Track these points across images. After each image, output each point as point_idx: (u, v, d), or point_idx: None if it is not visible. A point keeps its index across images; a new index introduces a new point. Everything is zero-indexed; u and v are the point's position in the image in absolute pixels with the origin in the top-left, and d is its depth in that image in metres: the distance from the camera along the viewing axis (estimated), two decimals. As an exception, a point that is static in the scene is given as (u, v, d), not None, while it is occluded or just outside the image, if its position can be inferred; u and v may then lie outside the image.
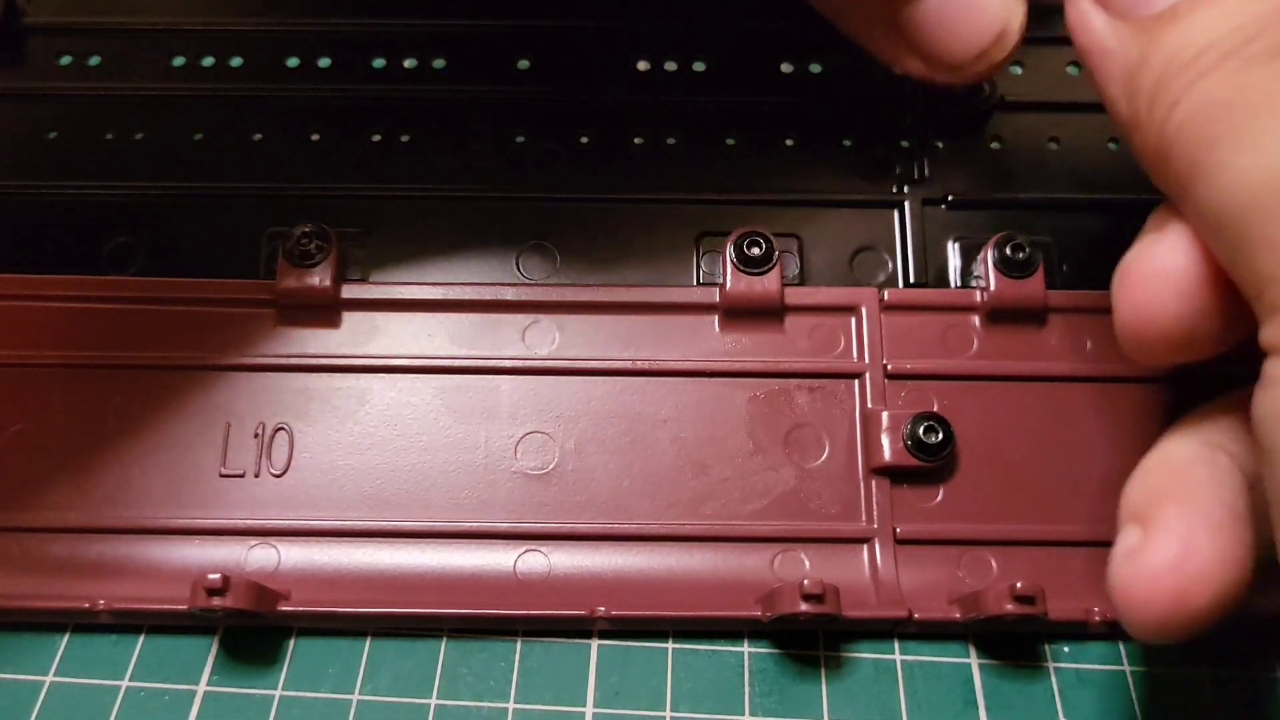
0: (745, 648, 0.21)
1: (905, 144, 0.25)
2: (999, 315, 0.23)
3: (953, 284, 0.24)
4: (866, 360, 0.22)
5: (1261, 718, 0.20)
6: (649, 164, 0.25)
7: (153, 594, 0.20)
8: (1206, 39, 0.15)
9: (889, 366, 0.22)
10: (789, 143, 0.25)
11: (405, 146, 0.25)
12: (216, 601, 0.19)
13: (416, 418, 0.22)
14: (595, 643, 0.21)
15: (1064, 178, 0.25)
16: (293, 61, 0.26)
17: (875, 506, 0.21)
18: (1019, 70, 0.26)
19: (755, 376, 0.23)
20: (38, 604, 0.20)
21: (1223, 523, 0.16)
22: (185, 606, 0.19)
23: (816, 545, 0.21)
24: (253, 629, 0.21)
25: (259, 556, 0.21)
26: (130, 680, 0.20)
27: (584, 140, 0.25)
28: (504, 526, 0.21)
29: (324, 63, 0.26)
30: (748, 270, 0.23)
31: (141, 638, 0.21)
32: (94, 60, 0.26)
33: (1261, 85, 0.15)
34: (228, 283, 0.23)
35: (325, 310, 0.23)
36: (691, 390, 0.22)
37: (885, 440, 0.21)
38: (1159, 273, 0.17)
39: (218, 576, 0.19)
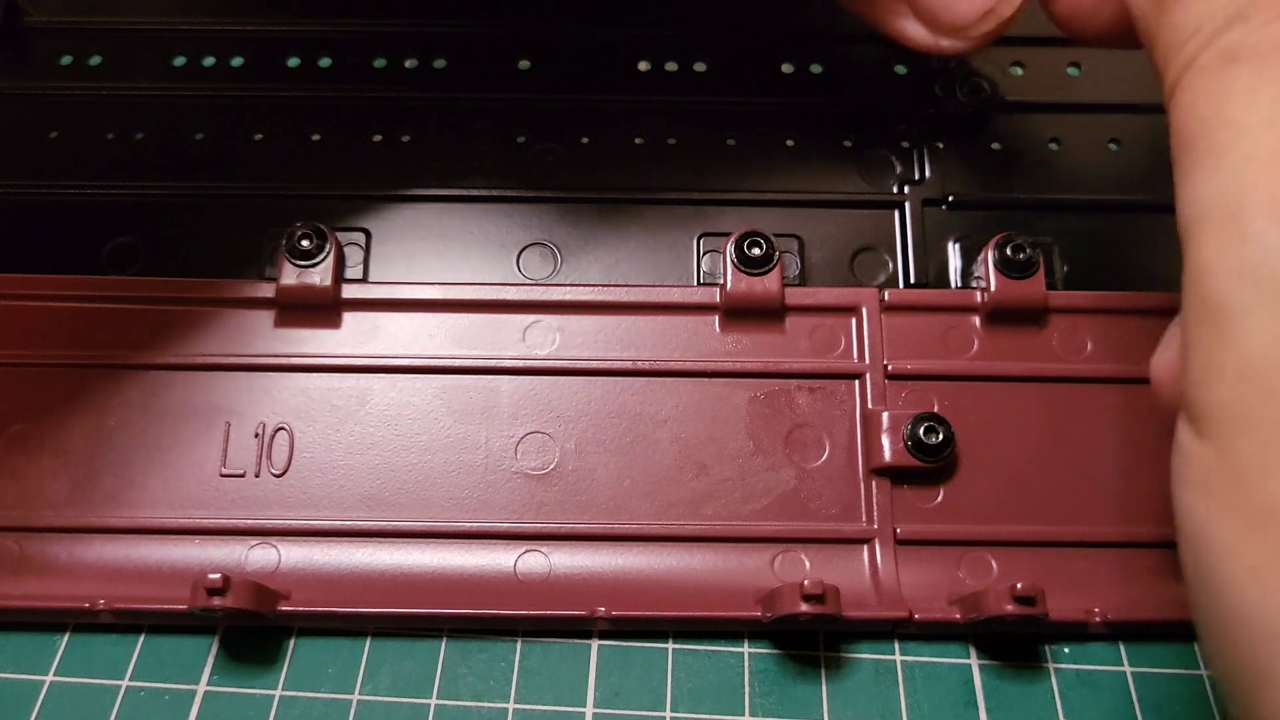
0: (745, 648, 0.21)
1: (906, 144, 0.25)
2: (999, 316, 0.23)
3: (953, 284, 0.24)
4: (867, 361, 0.22)
5: (1262, 718, 0.20)
6: (650, 164, 0.25)
7: (153, 594, 0.20)
8: (1197, 21, 0.15)
9: (889, 367, 0.22)
10: (789, 143, 0.25)
11: (406, 147, 0.25)
12: (217, 601, 0.19)
13: (417, 418, 0.22)
14: (595, 643, 0.21)
15: (1064, 178, 0.25)
16: (293, 62, 0.26)
17: (875, 507, 0.21)
18: (1019, 71, 0.26)
19: (756, 377, 0.23)
20: (38, 604, 0.20)
21: None
22: (185, 606, 0.19)
23: (817, 546, 0.21)
24: (253, 629, 0.21)
25: (259, 556, 0.21)
26: (130, 680, 0.20)
27: (585, 140, 0.25)
28: (504, 527, 0.21)
29: (325, 63, 0.26)
30: (748, 270, 0.23)
31: (141, 638, 0.21)
32: (95, 60, 0.26)
33: (1212, 99, 0.14)
34: (228, 282, 0.23)
35: (325, 310, 0.23)
36: (692, 390, 0.22)
37: (885, 441, 0.21)
38: None
39: (218, 576, 0.19)
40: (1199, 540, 0.14)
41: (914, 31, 0.21)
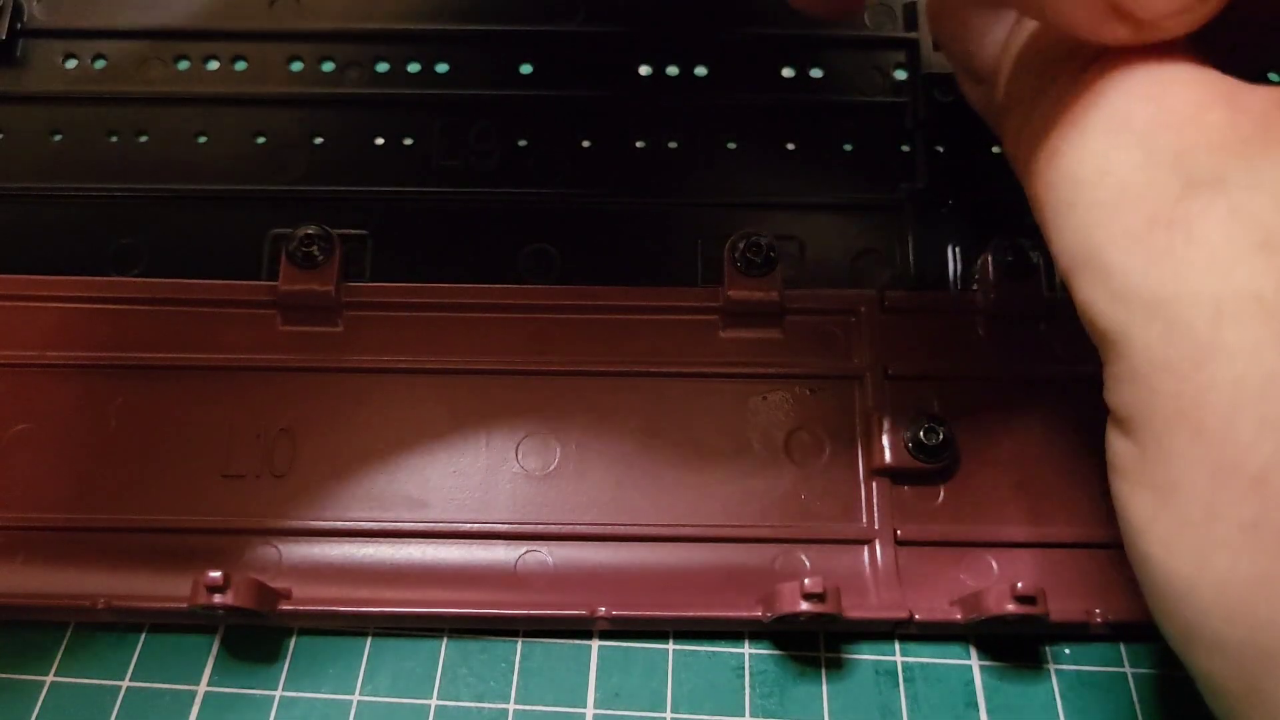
0: (746, 649, 0.21)
1: (906, 148, 0.25)
2: (999, 317, 0.23)
3: (953, 286, 0.24)
4: (867, 362, 0.23)
5: None
6: (650, 167, 0.25)
7: (153, 592, 0.20)
8: (1018, 93, 0.17)
9: (889, 369, 0.22)
10: (790, 146, 0.25)
11: (408, 149, 0.25)
12: (217, 599, 0.19)
13: (418, 419, 0.22)
14: (596, 643, 0.21)
15: (1064, 181, 0.25)
16: (296, 65, 0.26)
17: (876, 508, 0.21)
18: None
19: (756, 378, 0.23)
20: (39, 602, 0.20)
21: None
22: (185, 604, 0.19)
23: (817, 546, 0.21)
24: (253, 629, 0.21)
25: (260, 556, 0.21)
26: (130, 680, 0.20)
27: (586, 144, 0.25)
28: (505, 527, 0.21)
29: (327, 66, 0.26)
30: (749, 272, 0.23)
31: (142, 637, 0.21)
32: (98, 63, 0.26)
33: (1049, 161, 0.16)
34: (231, 284, 0.23)
35: (327, 311, 0.23)
36: (692, 392, 0.22)
37: (886, 441, 0.21)
38: None
39: (219, 574, 0.19)
40: (1125, 520, 0.16)
41: (1116, 31, 0.18)
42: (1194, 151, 0.15)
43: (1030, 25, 0.18)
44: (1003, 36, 0.18)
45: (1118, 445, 0.16)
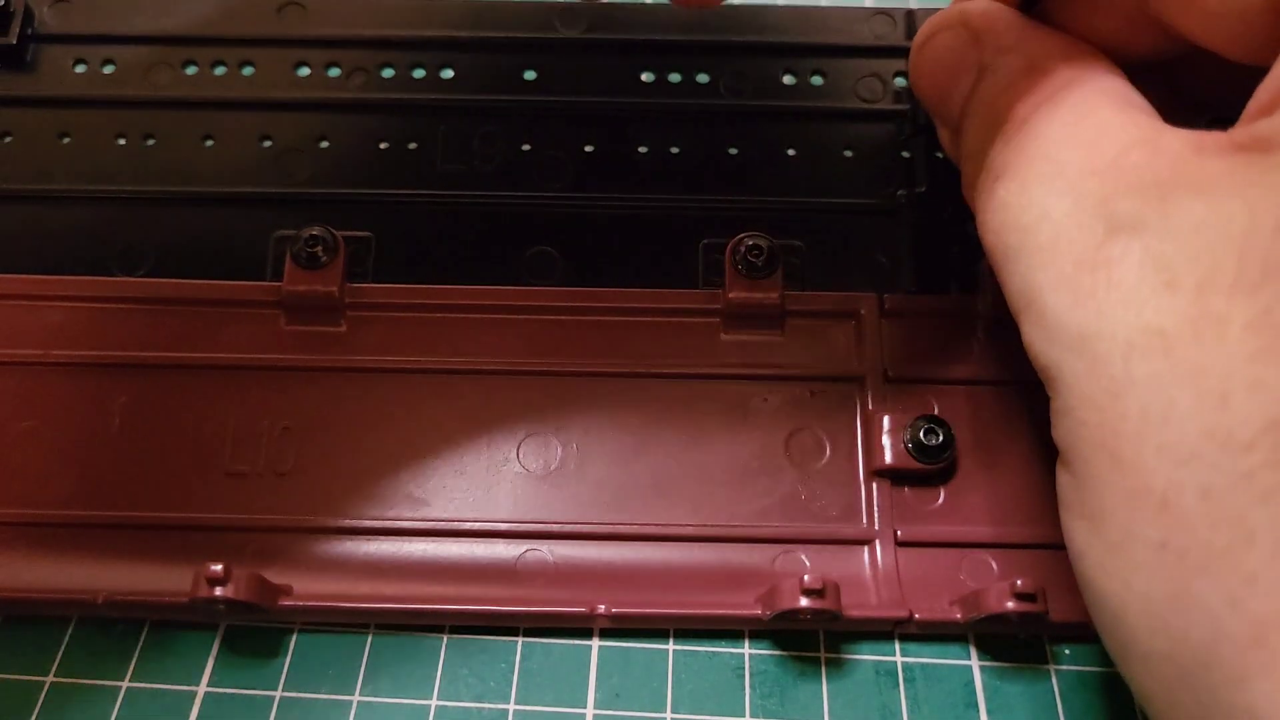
0: (746, 649, 0.21)
1: (906, 154, 0.25)
2: (999, 320, 0.23)
3: (953, 289, 0.24)
4: (867, 364, 0.23)
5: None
6: (653, 172, 0.25)
7: (155, 588, 0.20)
8: (969, 147, 0.19)
9: (889, 371, 0.23)
10: (791, 152, 0.25)
11: (412, 153, 0.25)
12: (218, 591, 0.19)
13: (420, 419, 0.22)
14: (596, 643, 0.21)
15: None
16: (302, 70, 0.26)
17: (876, 509, 0.21)
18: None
19: (756, 380, 0.23)
20: (40, 596, 0.20)
21: None
22: (186, 598, 0.19)
23: (817, 546, 0.21)
24: (253, 629, 0.21)
25: (261, 553, 0.21)
26: (130, 681, 0.20)
27: (589, 149, 0.25)
28: (506, 526, 0.21)
29: (333, 72, 0.26)
30: (749, 275, 0.23)
31: (142, 637, 0.21)
32: (107, 68, 0.26)
33: (996, 213, 0.18)
34: (236, 284, 0.23)
35: (331, 312, 0.23)
36: (693, 393, 0.23)
37: (886, 443, 0.22)
38: None
39: (220, 567, 0.19)
40: (1069, 549, 0.17)
41: None
42: (1116, 196, 0.16)
43: (987, 79, 0.19)
44: (967, 89, 0.19)
45: (1061, 479, 0.17)
